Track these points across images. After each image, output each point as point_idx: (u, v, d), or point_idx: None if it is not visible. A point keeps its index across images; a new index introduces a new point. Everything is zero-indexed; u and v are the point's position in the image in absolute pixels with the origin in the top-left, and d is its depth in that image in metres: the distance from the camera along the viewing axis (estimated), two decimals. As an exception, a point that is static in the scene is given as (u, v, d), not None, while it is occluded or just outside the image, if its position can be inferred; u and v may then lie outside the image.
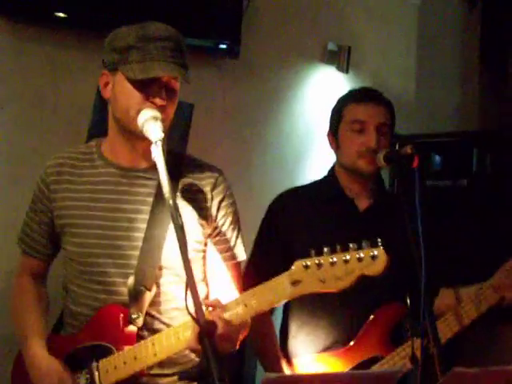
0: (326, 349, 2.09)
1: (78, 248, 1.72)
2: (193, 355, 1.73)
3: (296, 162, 3.30)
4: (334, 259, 1.40)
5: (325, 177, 2.26)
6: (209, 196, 1.73)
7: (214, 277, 1.76)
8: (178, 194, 1.68)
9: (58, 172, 1.76)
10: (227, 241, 1.76)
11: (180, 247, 1.41)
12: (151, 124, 1.56)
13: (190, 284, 1.38)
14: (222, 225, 1.75)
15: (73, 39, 2.68)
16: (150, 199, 1.69)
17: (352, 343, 2.05)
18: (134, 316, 1.64)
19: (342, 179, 2.19)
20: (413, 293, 1.80)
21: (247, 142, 3.15)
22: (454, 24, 3.90)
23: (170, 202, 1.44)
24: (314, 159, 3.34)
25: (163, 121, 1.59)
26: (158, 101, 1.60)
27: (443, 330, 1.98)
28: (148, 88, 1.61)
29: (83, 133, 2.66)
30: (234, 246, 1.78)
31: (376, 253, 1.38)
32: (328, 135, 2.23)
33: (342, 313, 2.09)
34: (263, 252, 2.15)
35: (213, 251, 1.75)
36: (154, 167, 1.53)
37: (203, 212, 1.71)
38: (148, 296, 1.66)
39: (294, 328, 2.16)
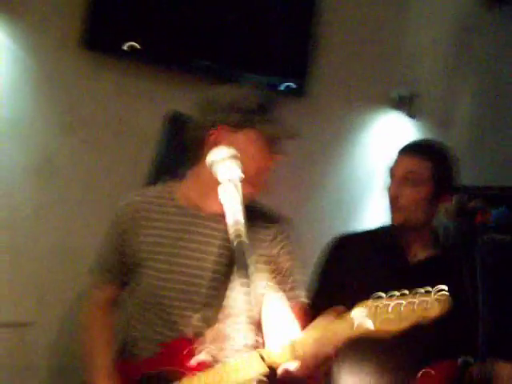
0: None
1: (145, 286, 1.77)
2: None
3: (353, 206, 3.26)
4: (394, 302, 1.47)
5: (383, 226, 2.24)
6: (273, 242, 1.78)
7: (275, 317, 1.76)
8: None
9: (134, 210, 1.81)
10: (291, 282, 1.79)
11: (246, 287, 1.46)
12: (229, 162, 1.61)
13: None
14: (286, 269, 1.78)
15: (142, 71, 2.77)
16: (219, 242, 1.73)
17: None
18: (198, 349, 1.68)
19: (397, 231, 2.17)
20: (470, 352, 1.78)
21: (305, 183, 3.14)
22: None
23: (239, 242, 1.48)
24: (371, 205, 3.28)
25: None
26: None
27: None
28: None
29: (147, 159, 2.74)
30: (298, 287, 1.80)
31: (440, 297, 1.46)
32: None
33: (389, 365, 2.04)
34: (321, 293, 2.13)
35: (276, 292, 1.77)
36: None
37: (267, 258, 1.76)
38: (211, 332, 1.70)
39: (341, 375, 2.11)
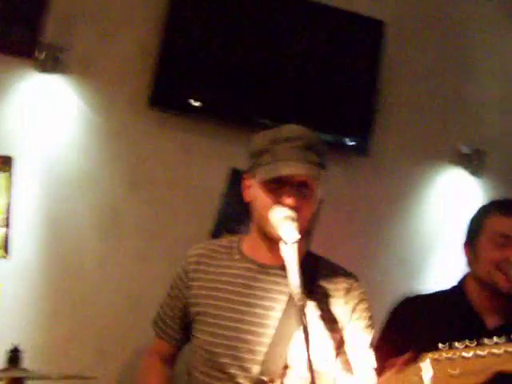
0: None
1: (207, 337, 1.73)
2: None
3: (419, 263, 3.17)
4: (468, 354, 1.37)
5: (453, 287, 2.14)
6: (342, 301, 1.72)
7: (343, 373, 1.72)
8: (311, 296, 1.68)
9: (198, 262, 1.80)
10: (359, 342, 1.74)
11: (305, 347, 1.44)
12: (285, 224, 1.58)
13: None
14: (356, 328, 1.73)
15: (206, 127, 2.82)
16: (284, 297, 1.69)
17: None
18: None
19: (471, 293, 2.06)
20: None
21: (371, 239, 3.09)
22: None
23: (298, 302, 1.47)
24: (436, 262, 3.19)
25: (299, 221, 1.59)
26: (287, 201, 1.61)
27: None
28: (280, 189, 1.63)
29: (209, 215, 2.77)
30: (366, 349, 1.75)
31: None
32: (464, 245, 2.11)
33: None
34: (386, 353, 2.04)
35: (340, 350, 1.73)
36: None
37: (336, 316, 1.70)
38: None
39: None
